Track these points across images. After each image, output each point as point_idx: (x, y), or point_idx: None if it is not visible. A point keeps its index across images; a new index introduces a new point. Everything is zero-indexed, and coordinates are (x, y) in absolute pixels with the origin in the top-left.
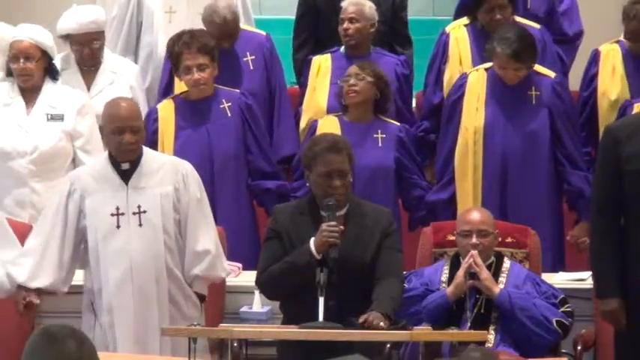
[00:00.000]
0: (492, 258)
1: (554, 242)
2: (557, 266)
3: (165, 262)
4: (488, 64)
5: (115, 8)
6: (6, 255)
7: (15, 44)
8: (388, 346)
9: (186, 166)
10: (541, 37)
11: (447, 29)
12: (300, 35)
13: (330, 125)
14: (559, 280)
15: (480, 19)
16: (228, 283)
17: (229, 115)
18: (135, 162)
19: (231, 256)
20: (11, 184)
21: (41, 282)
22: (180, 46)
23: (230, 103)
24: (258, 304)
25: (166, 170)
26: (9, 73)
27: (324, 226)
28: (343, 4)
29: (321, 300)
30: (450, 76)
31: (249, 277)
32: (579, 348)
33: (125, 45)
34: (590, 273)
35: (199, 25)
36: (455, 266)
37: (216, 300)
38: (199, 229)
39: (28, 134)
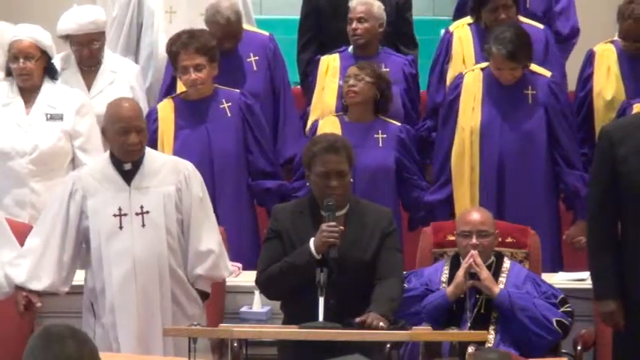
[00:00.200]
0: (492, 258)
1: (552, 242)
2: (555, 266)
3: (168, 262)
4: (484, 64)
5: (116, 8)
6: (5, 256)
7: (14, 44)
8: (388, 346)
9: (189, 166)
10: (544, 37)
11: (451, 28)
12: (304, 36)
13: (330, 125)
14: (559, 280)
15: (484, 19)
16: (228, 283)
17: (229, 115)
18: (137, 162)
19: (231, 256)
20: (11, 184)
21: (41, 283)
22: (178, 46)
23: (230, 103)
24: (258, 304)
25: (168, 170)
26: (8, 73)
27: (324, 226)
28: (351, 4)
29: (321, 300)
30: (453, 75)
31: (249, 277)
32: (579, 348)
33: (125, 45)
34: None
35: (200, 25)
36: (455, 266)
37: (216, 300)
38: (202, 228)
39: (27, 134)
